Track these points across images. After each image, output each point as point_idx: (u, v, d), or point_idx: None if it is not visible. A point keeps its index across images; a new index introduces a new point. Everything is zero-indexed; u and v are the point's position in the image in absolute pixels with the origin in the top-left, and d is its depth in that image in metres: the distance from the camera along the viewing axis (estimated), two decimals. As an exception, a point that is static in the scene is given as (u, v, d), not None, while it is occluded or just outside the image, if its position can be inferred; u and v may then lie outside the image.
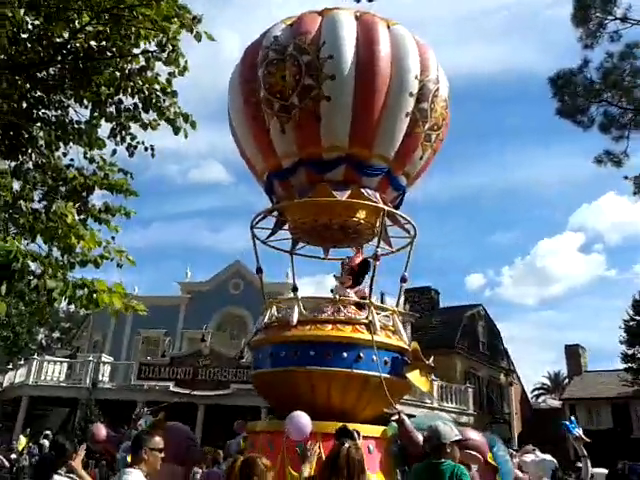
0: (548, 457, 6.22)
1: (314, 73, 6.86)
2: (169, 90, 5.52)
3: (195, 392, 22.31)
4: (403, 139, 7.16)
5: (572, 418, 6.34)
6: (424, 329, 31.01)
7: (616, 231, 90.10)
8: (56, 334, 32.44)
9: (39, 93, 5.12)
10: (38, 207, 4.99)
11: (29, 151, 5.15)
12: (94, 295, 4.04)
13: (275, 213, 7.77)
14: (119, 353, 27.12)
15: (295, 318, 6.52)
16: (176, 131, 5.54)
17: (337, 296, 6.77)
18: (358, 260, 7.14)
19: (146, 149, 5.76)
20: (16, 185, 4.97)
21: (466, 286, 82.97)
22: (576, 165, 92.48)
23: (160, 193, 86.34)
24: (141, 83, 5.42)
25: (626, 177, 20.15)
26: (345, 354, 6.28)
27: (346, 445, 3.74)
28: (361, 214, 7.17)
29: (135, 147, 5.61)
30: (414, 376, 6.44)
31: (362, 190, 7.10)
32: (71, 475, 4.65)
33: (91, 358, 24.14)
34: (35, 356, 24.77)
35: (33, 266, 4.04)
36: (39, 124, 5.20)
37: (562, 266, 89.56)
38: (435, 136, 7.49)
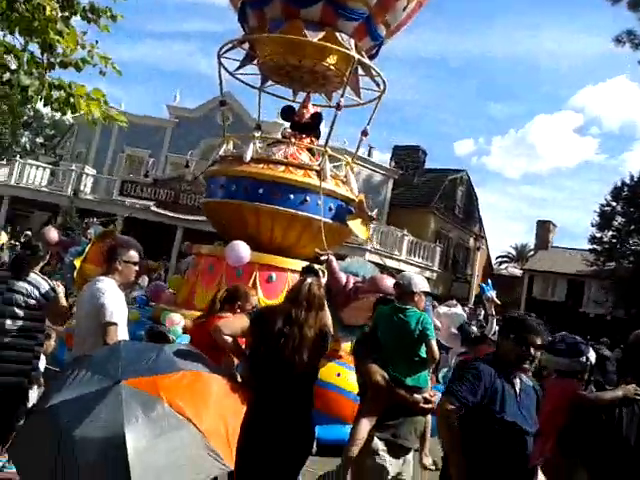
0: (459, 311, 6.83)
1: None
2: None
3: (175, 214, 23.09)
4: (388, -16, 6.89)
5: (488, 281, 6.81)
6: (406, 186, 31.48)
7: (616, 117, 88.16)
8: (40, 140, 32.12)
9: None
10: None
11: None
12: (71, 99, 3.85)
13: (246, 46, 7.64)
14: (102, 167, 27.26)
15: (249, 155, 6.74)
16: None
17: (293, 140, 6.93)
18: (307, 112, 7.15)
19: None
20: None
21: (455, 151, 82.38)
22: (592, 43, 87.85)
23: (153, 9, 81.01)
24: None
25: (640, 62, 19.35)
26: (292, 196, 6.64)
27: (308, 280, 3.78)
28: (332, 59, 7.09)
29: None
30: (355, 224, 6.87)
31: (337, 34, 6.95)
32: (44, 277, 4.75)
33: (74, 168, 24.38)
34: (18, 158, 24.92)
35: (8, 59, 3.79)
36: None
37: (554, 144, 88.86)
38: None
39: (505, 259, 47.79)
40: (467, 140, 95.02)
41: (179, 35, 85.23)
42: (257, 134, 7.01)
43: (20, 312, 4.46)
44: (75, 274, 6.45)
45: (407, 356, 4.34)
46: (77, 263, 6.50)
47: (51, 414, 2.85)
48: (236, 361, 3.96)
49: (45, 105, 3.96)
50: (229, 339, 3.66)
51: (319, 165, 6.77)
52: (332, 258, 5.84)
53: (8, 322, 4.43)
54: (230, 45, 7.44)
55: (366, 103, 7.84)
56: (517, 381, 3.24)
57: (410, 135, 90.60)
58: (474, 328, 6.52)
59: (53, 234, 6.95)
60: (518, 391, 3.21)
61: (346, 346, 5.91)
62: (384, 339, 4.44)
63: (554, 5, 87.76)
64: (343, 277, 5.67)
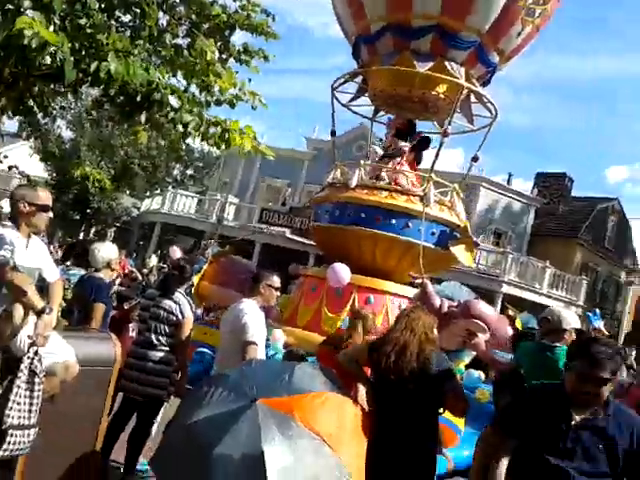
0: None
1: None
2: None
3: (308, 241, 23.84)
4: (500, 12, 6.81)
5: (596, 310, 6.40)
6: (549, 216, 29.89)
7: None
8: (190, 171, 34.70)
9: None
10: (181, 43, 4.93)
11: None
12: (226, 134, 4.14)
13: (359, 79, 7.89)
14: (244, 196, 28.92)
15: (354, 182, 6.97)
16: None
17: (398, 167, 7.01)
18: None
19: None
20: (163, 20, 4.91)
21: (606, 178, 75.86)
22: None
23: (298, 45, 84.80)
24: None
25: None
26: (394, 221, 6.75)
27: (412, 306, 3.84)
28: (441, 88, 7.16)
29: None
30: (458, 250, 6.79)
31: (446, 63, 6.98)
32: (187, 297, 5.04)
33: (219, 197, 26.05)
34: (170, 188, 27.19)
35: (172, 100, 4.07)
36: None
37: None
38: (540, 11, 7.02)
39: (665, 295, 43.25)
40: (620, 167, 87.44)
41: (319, 71, 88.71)
42: (362, 162, 7.19)
43: (163, 327, 4.75)
44: (193, 290, 6.98)
45: None
46: (195, 280, 7.03)
47: (192, 431, 2.95)
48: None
49: (202, 140, 4.30)
50: (353, 364, 3.74)
51: (423, 191, 6.78)
52: (427, 282, 5.82)
53: (153, 336, 4.74)
54: (343, 79, 7.75)
55: (478, 129, 7.76)
56: (578, 417, 2.67)
57: (556, 162, 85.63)
58: None
59: (176, 253, 7.58)
60: (574, 429, 2.65)
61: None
62: (530, 379, 4.20)
63: None
64: (437, 300, 5.61)
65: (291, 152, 29.08)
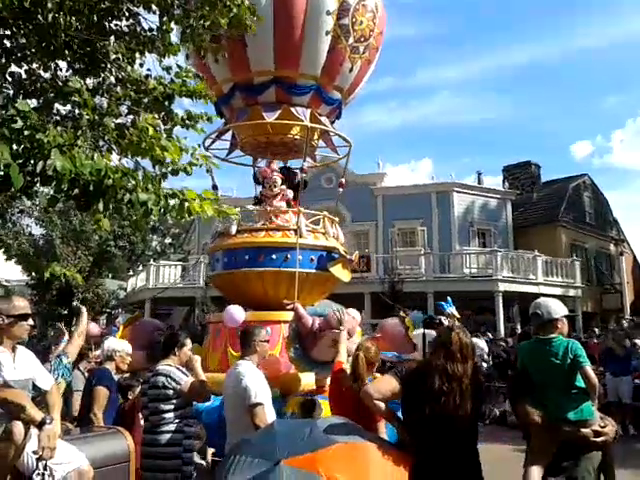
0: (433, 333, 6.98)
1: (235, 3, 7.45)
2: None
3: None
4: (327, 55, 7.64)
5: (448, 298, 6.93)
6: (525, 205, 30.19)
7: None
8: (168, 240, 35.17)
9: (107, 4, 4.90)
10: (125, 122, 4.90)
11: (108, 66, 5.07)
12: (185, 204, 4.16)
13: (229, 135, 8.69)
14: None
15: (234, 229, 7.64)
16: (245, 28, 5.18)
17: (268, 208, 7.71)
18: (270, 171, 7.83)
19: None
20: (104, 102, 5.00)
21: (572, 156, 75.23)
22: None
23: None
24: None
25: None
26: (274, 256, 7.38)
27: (455, 330, 3.52)
28: (294, 130, 7.96)
29: (206, 49, 5.38)
30: (336, 269, 7.42)
31: (291, 109, 7.78)
32: (180, 368, 4.73)
33: (201, 259, 26.42)
34: (152, 262, 27.27)
35: (126, 181, 4.05)
36: (112, 37, 5.09)
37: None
38: (364, 47, 7.81)
39: (657, 257, 42.54)
40: (582, 142, 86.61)
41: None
42: (237, 209, 7.86)
43: (163, 407, 4.46)
44: None
45: (563, 389, 4.09)
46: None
47: None
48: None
49: (164, 214, 4.33)
50: (381, 404, 3.49)
51: (296, 224, 7.46)
52: (297, 305, 6.33)
53: (156, 419, 4.47)
54: (211, 139, 8.55)
55: (340, 159, 8.55)
56: None
57: (519, 152, 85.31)
58: None
59: (94, 328, 8.10)
60: None
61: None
62: (535, 376, 4.23)
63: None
64: (309, 320, 6.08)
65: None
